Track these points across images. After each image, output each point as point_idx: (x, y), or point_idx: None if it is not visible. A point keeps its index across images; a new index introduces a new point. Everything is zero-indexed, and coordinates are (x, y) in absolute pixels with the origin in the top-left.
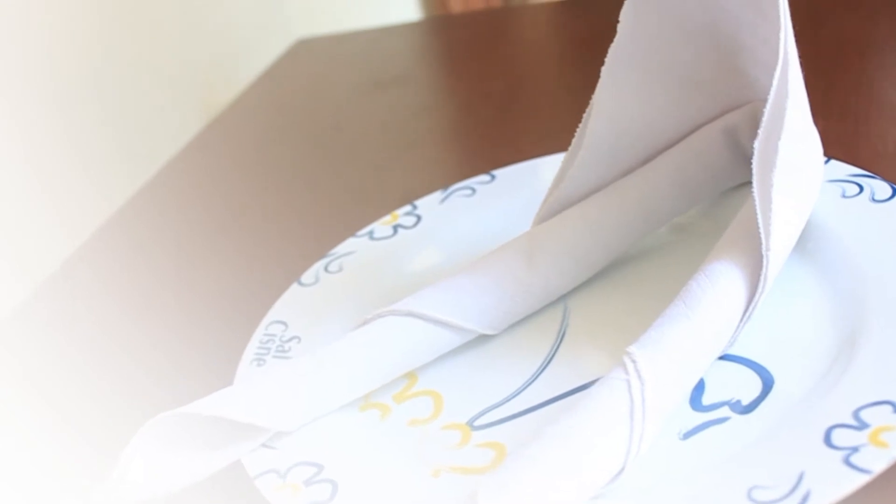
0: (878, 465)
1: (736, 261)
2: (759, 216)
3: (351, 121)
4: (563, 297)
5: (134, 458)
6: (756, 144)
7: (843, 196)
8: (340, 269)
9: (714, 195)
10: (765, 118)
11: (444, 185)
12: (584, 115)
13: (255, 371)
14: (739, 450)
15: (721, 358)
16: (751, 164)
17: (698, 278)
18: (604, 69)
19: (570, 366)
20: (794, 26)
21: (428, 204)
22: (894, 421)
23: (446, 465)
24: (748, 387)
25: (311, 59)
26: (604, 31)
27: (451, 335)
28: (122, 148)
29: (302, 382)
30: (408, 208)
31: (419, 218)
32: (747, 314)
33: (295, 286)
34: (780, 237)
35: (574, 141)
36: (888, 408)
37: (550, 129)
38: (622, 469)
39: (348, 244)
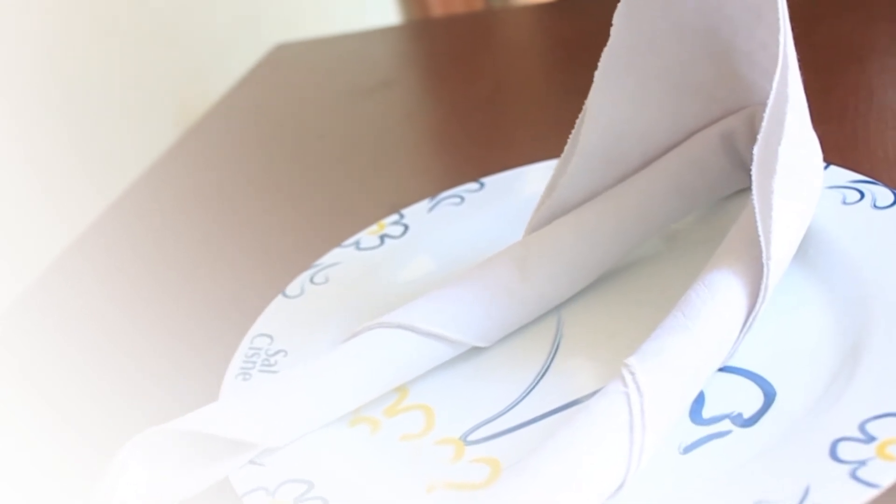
0: (887, 480)
1: (735, 270)
2: (759, 224)
3: (333, 129)
4: (557, 308)
5: (119, 476)
6: (755, 150)
7: (844, 203)
8: (326, 281)
9: (711, 202)
10: (764, 123)
11: (432, 193)
12: (577, 121)
13: (241, 386)
14: (742, 464)
15: (721, 370)
16: (748, 169)
17: (697, 288)
18: (597, 73)
19: (566, 378)
20: (792, 28)
21: (415, 213)
22: None
23: (440, 481)
24: (749, 399)
25: (290, 66)
26: (591, 34)
27: (443, 348)
28: (91, 161)
29: (290, 397)
30: (395, 217)
31: (406, 227)
32: (748, 325)
33: (280, 298)
34: (780, 245)
35: (567, 147)
36: (895, 420)
37: (541, 135)
38: (622, 484)
39: (334, 255)
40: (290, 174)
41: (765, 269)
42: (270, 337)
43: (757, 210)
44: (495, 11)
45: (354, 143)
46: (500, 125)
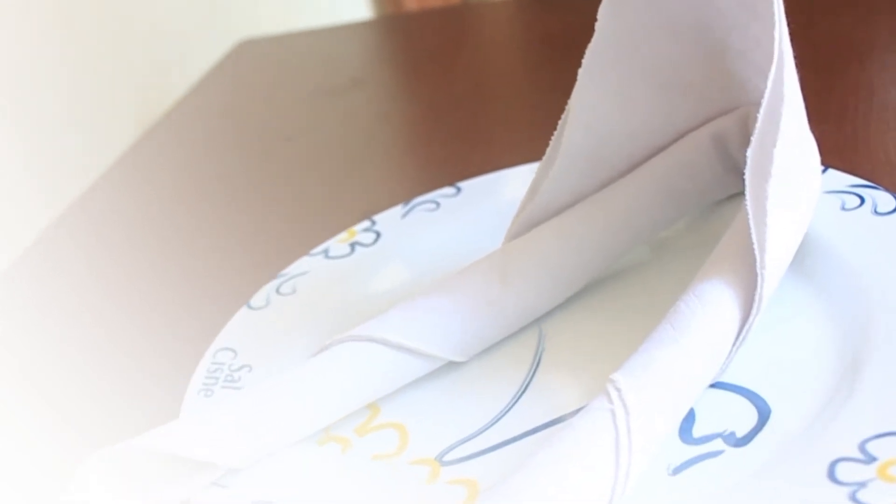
0: (888, 502)
1: (728, 279)
2: (753, 231)
3: (302, 129)
4: (539, 320)
5: (72, 499)
6: (749, 152)
7: (843, 208)
8: (293, 291)
9: (702, 207)
10: (758, 124)
11: (406, 198)
12: (560, 122)
13: (203, 403)
14: (735, 486)
15: (712, 386)
16: (742, 173)
17: (687, 299)
18: (581, 71)
19: (548, 395)
20: (788, 24)
21: (388, 219)
22: None
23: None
24: (743, 417)
25: (256, 63)
26: (575, 29)
27: (417, 362)
28: (46, 163)
29: (255, 414)
30: (366, 224)
31: (378, 234)
32: (741, 338)
33: (244, 310)
34: (775, 254)
35: (549, 150)
36: None
37: (522, 137)
38: None
39: (301, 264)
40: (255, 178)
41: (759, 279)
42: (234, 351)
43: (750, 216)
44: (473, 6)
45: (323, 146)
46: (478, 126)
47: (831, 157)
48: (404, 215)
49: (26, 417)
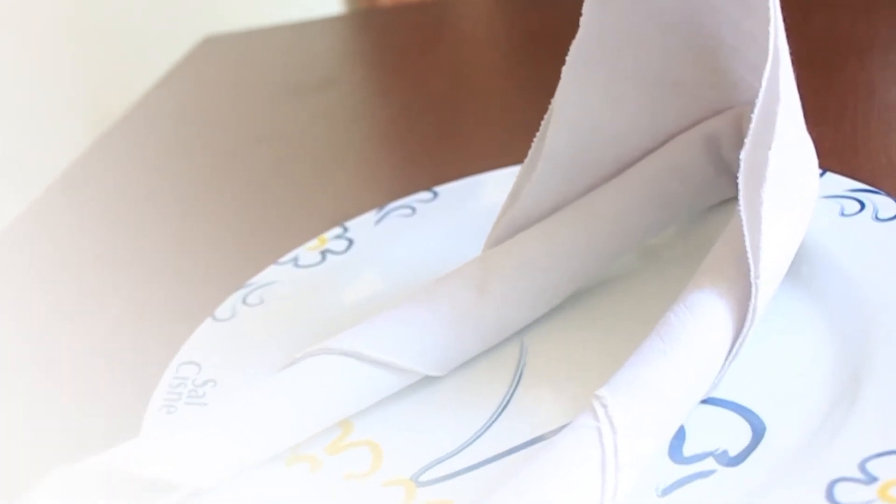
0: None
1: (720, 289)
2: (747, 238)
3: (269, 131)
4: (520, 333)
5: None
6: (742, 155)
7: (842, 214)
8: (261, 302)
9: (693, 213)
10: (753, 125)
11: (380, 203)
12: (543, 122)
13: (166, 419)
14: None
15: (704, 402)
16: (735, 177)
17: (677, 310)
18: (565, 69)
19: (529, 412)
20: (784, 19)
21: (361, 225)
22: None
23: None
24: (736, 435)
25: (220, 61)
26: (558, 25)
27: (392, 377)
28: None
29: (220, 432)
30: (338, 231)
31: (351, 242)
32: (734, 351)
33: (209, 322)
34: (771, 262)
35: (531, 152)
36: None
37: (502, 139)
38: None
39: (269, 273)
40: (219, 182)
41: (753, 289)
42: (198, 365)
43: (744, 222)
44: (451, 0)
45: (292, 148)
46: (456, 127)
47: (830, 160)
48: (378, 221)
49: None
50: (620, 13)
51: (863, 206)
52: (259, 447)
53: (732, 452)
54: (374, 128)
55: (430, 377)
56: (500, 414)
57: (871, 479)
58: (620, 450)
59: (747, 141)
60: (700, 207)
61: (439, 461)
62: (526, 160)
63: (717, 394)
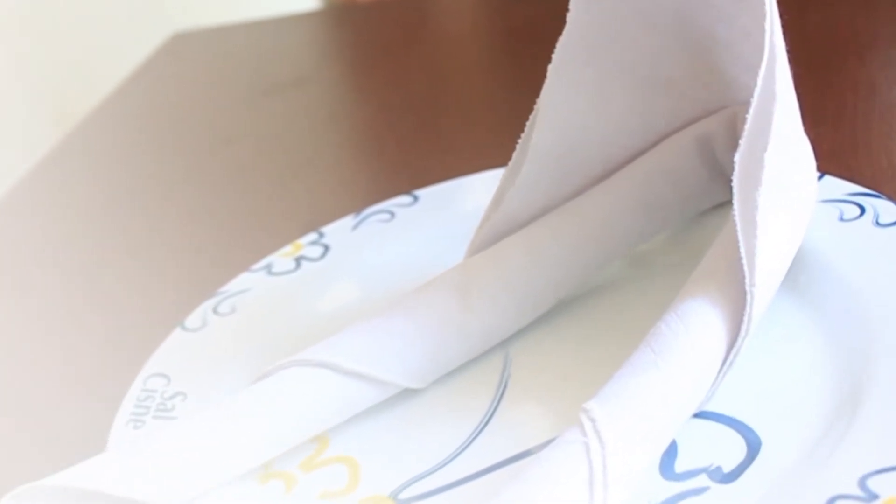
0: None
1: (714, 298)
2: (742, 244)
3: (241, 132)
4: (504, 343)
5: None
6: (737, 157)
7: (841, 219)
8: (233, 311)
9: (685, 218)
10: (748, 126)
11: (357, 208)
12: (528, 123)
13: (132, 434)
14: None
15: (697, 416)
16: (729, 180)
17: (668, 320)
18: (551, 67)
19: (514, 426)
20: (781, 15)
21: (337, 231)
22: None
23: None
24: (730, 450)
25: (190, 58)
26: (543, 21)
27: (370, 390)
28: None
29: (189, 448)
30: (313, 237)
31: (327, 248)
32: (728, 363)
33: (178, 332)
34: (766, 269)
35: (515, 154)
36: None
37: (485, 140)
38: None
39: (241, 280)
40: (189, 185)
41: (748, 297)
42: (167, 377)
43: (739, 228)
44: None
45: (265, 150)
46: (436, 128)
47: (828, 162)
48: (355, 227)
49: None
50: (609, 8)
51: (863, 210)
52: (231, 464)
53: (726, 469)
54: (352, 128)
55: (409, 390)
56: (483, 428)
57: (872, 497)
58: (609, 466)
59: (742, 142)
60: (692, 212)
61: (420, 478)
62: (510, 162)
63: (710, 407)
